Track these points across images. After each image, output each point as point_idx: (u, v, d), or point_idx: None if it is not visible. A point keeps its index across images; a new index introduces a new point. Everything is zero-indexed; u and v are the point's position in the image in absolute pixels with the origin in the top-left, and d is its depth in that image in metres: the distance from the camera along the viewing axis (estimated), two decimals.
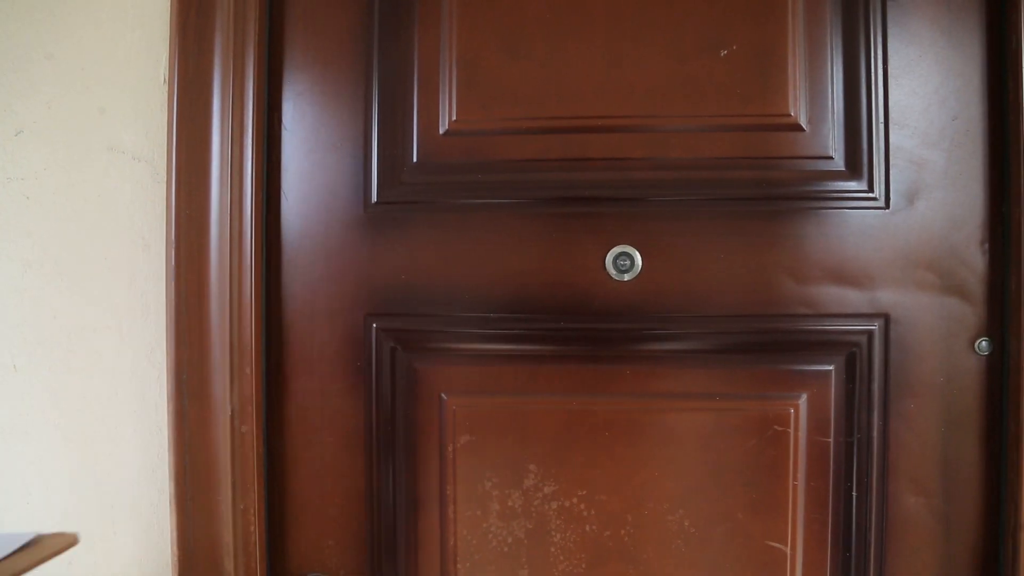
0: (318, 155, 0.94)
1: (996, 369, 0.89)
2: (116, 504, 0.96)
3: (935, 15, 0.88)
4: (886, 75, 0.89)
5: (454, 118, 0.92)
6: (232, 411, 0.91)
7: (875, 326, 0.90)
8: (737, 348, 0.92)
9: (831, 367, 0.91)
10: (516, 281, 0.92)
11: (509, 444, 0.94)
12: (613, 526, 0.94)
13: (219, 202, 0.91)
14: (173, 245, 0.91)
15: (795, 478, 0.92)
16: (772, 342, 0.92)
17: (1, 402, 0.97)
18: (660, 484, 0.93)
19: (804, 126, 0.90)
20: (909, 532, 0.91)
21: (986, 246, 0.89)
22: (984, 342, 0.89)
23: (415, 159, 0.93)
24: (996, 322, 0.89)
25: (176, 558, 0.91)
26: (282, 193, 0.95)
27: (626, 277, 0.91)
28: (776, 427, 0.91)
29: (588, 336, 0.93)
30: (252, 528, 0.93)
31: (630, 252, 0.90)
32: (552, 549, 0.95)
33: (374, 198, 0.94)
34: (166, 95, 0.92)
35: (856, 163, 0.90)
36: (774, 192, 0.90)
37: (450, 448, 0.95)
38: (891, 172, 0.89)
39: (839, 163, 0.90)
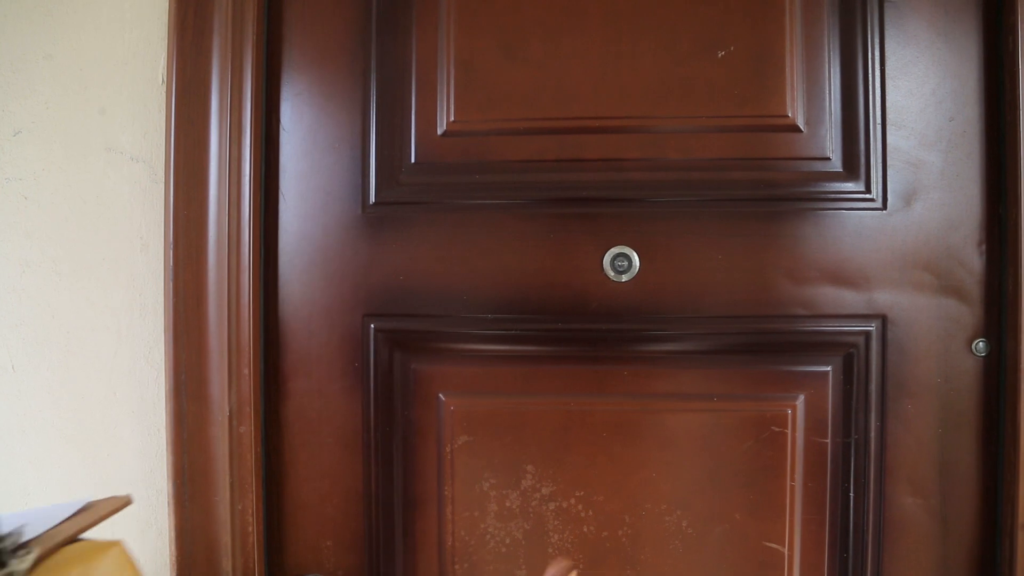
0: (316, 156, 0.94)
1: (993, 370, 0.89)
2: None
3: (932, 16, 0.89)
4: (883, 76, 0.89)
5: (452, 119, 0.93)
6: (230, 411, 0.91)
7: (872, 327, 0.90)
8: (735, 349, 0.92)
9: (828, 368, 0.92)
10: (514, 282, 0.92)
11: (507, 445, 0.94)
12: (611, 527, 0.94)
13: (217, 203, 0.91)
14: (171, 246, 0.91)
15: (792, 479, 0.92)
16: (769, 343, 0.92)
17: None
18: (658, 485, 0.93)
19: (801, 127, 0.90)
20: (906, 532, 0.91)
21: (983, 247, 0.89)
22: (981, 343, 0.89)
23: (413, 160, 0.94)
24: (993, 323, 0.89)
25: (174, 558, 0.91)
26: (280, 194, 0.95)
27: (624, 278, 0.91)
28: (773, 428, 0.91)
29: (586, 337, 0.93)
30: (250, 528, 0.93)
31: (628, 253, 0.91)
32: (550, 550, 0.95)
33: (372, 199, 0.94)
34: (164, 96, 0.92)
35: (853, 164, 0.90)
36: (771, 193, 0.90)
37: (448, 448, 0.95)
38: (888, 173, 0.89)
39: (836, 164, 0.90)
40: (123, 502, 0.62)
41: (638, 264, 0.91)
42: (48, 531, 0.54)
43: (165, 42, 0.92)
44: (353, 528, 0.96)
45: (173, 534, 0.91)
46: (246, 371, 0.92)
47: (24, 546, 0.46)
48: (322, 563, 0.97)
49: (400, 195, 0.94)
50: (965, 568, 0.91)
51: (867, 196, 0.89)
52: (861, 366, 0.91)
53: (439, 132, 0.93)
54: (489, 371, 0.94)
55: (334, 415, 0.95)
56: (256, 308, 0.93)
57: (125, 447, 0.97)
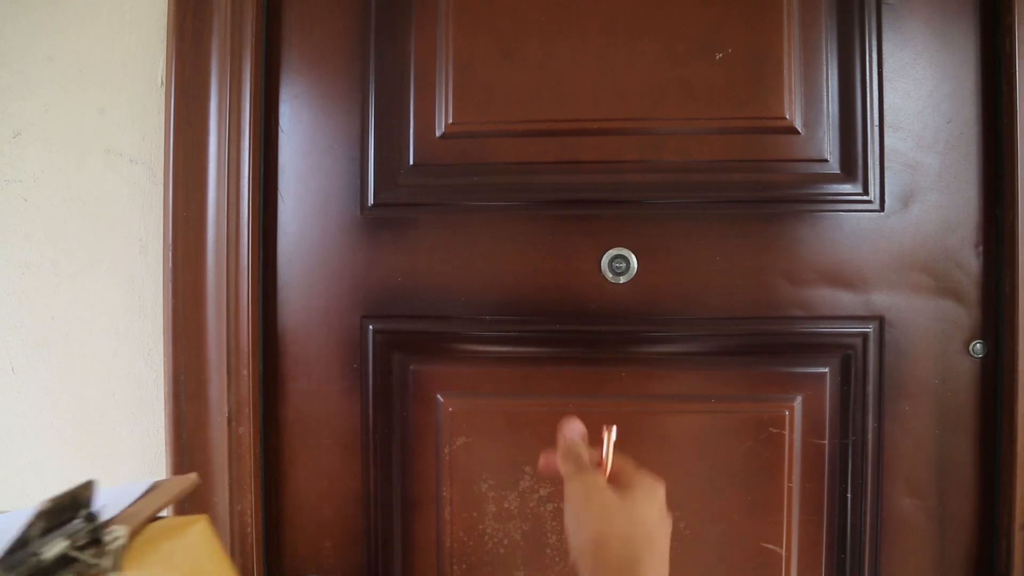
0: (315, 158, 0.95)
1: (990, 371, 0.89)
2: None
3: (929, 18, 0.89)
4: (881, 78, 0.89)
5: (450, 121, 0.93)
6: (229, 412, 0.92)
7: (870, 328, 0.90)
8: (732, 350, 0.92)
9: (826, 369, 0.92)
10: (512, 283, 0.93)
11: (505, 446, 0.94)
12: None
13: (216, 204, 0.91)
14: (170, 247, 0.91)
15: (790, 480, 0.92)
16: (767, 344, 0.92)
17: None
18: None
19: (799, 129, 0.90)
20: (904, 533, 0.91)
21: (980, 249, 0.89)
22: (978, 344, 0.89)
23: (411, 162, 0.94)
24: (990, 324, 0.89)
25: None
26: (279, 195, 0.95)
27: (621, 279, 0.91)
28: (771, 429, 0.92)
29: (584, 338, 0.93)
30: (249, 529, 0.93)
31: (625, 255, 0.91)
32: (548, 551, 0.95)
33: (371, 200, 0.94)
34: (164, 97, 0.93)
35: (851, 166, 0.90)
36: (769, 195, 0.90)
37: (446, 449, 0.95)
38: (886, 175, 0.89)
39: (834, 166, 0.90)
40: (190, 482, 0.63)
41: (636, 266, 0.91)
42: (125, 510, 0.54)
43: (164, 44, 0.92)
44: (352, 529, 0.97)
45: None
46: (245, 372, 0.92)
47: (108, 524, 0.47)
48: (321, 564, 0.97)
49: (399, 197, 0.94)
50: (962, 568, 0.91)
51: (865, 198, 0.89)
52: (859, 367, 0.91)
53: (437, 134, 0.93)
54: (487, 372, 0.95)
55: (333, 416, 0.96)
56: (255, 309, 0.93)
57: (124, 448, 0.97)
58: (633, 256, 0.91)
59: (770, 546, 0.93)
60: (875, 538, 0.92)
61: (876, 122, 0.89)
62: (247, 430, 0.92)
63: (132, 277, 0.96)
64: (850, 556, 0.92)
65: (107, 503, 0.51)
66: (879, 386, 0.90)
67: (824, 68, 0.90)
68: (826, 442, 0.92)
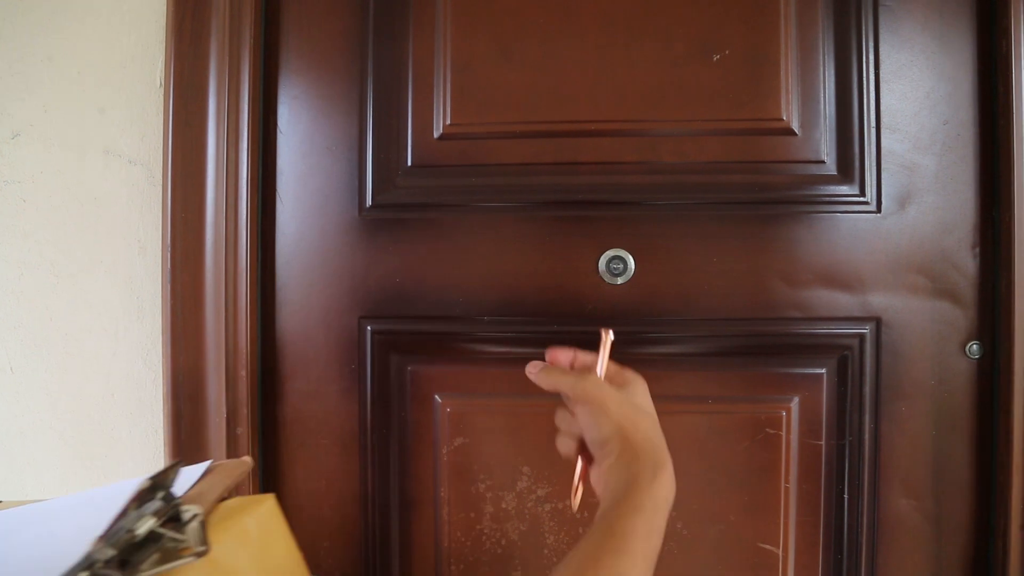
0: (313, 158, 0.95)
1: (987, 372, 0.89)
2: None
3: (926, 20, 0.89)
4: (878, 80, 0.89)
5: (448, 122, 0.93)
6: (228, 413, 0.92)
7: (867, 329, 0.90)
8: (729, 351, 0.92)
9: (823, 370, 0.92)
10: (510, 284, 0.93)
11: (503, 446, 0.94)
12: None
13: (215, 205, 0.91)
14: (169, 248, 0.91)
15: (787, 480, 0.92)
16: (764, 345, 0.92)
17: None
18: None
19: (796, 130, 0.90)
20: (900, 534, 0.92)
21: (977, 250, 0.89)
22: (975, 345, 0.89)
23: (410, 163, 0.94)
24: (987, 326, 0.89)
25: None
26: (277, 196, 0.96)
27: (619, 280, 0.91)
28: (768, 430, 0.92)
29: (581, 339, 0.93)
30: None
31: (623, 256, 0.91)
32: (546, 551, 0.95)
33: (369, 201, 0.94)
34: (162, 98, 0.93)
35: (848, 167, 0.90)
36: (766, 196, 0.90)
37: (444, 450, 0.95)
38: (883, 176, 0.89)
39: (831, 167, 0.90)
40: (247, 465, 0.65)
41: (633, 267, 0.91)
42: (189, 491, 0.56)
43: (163, 45, 0.93)
44: (350, 529, 0.97)
45: None
46: (243, 373, 0.92)
47: (181, 503, 0.49)
48: (319, 564, 0.97)
49: (397, 198, 0.94)
50: (959, 569, 0.91)
51: (861, 199, 0.90)
52: (855, 368, 0.91)
53: (436, 135, 0.93)
54: (485, 373, 0.95)
55: (331, 417, 0.96)
56: (253, 310, 0.93)
57: (123, 448, 0.97)
58: (631, 257, 0.91)
59: (767, 546, 0.93)
60: (872, 539, 0.92)
61: (873, 123, 0.89)
62: (245, 430, 0.92)
63: (131, 277, 0.96)
64: (847, 557, 0.92)
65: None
66: (876, 387, 0.91)
67: (821, 69, 0.90)
68: (823, 443, 0.92)
